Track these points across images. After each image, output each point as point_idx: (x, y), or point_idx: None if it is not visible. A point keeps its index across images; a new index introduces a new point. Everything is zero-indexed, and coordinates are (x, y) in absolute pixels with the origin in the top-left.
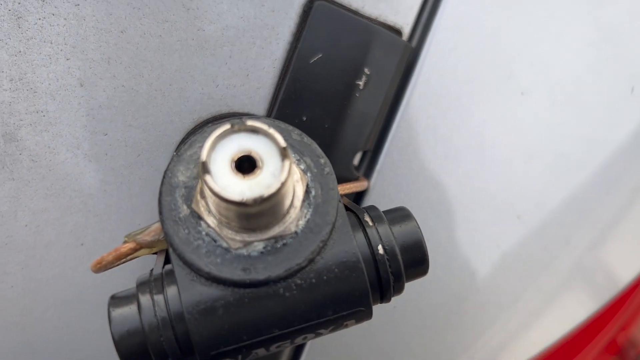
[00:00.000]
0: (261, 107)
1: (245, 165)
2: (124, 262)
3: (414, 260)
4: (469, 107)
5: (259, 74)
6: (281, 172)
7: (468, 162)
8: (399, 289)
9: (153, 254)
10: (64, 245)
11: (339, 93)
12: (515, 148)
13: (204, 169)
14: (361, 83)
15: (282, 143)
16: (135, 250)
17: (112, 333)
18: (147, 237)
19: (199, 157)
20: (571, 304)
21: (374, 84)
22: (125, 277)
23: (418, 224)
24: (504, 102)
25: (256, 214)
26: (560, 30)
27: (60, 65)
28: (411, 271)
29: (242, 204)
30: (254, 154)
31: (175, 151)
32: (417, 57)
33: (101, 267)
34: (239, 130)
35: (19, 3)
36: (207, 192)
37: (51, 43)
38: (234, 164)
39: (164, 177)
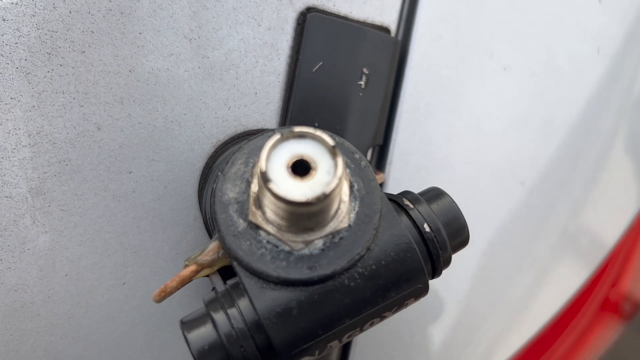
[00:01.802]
0: (273, 121)
1: (300, 169)
2: (186, 284)
3: (456, 232)
4: (460, 89)
5: (266, 90)
6: (336, 169)
7: (469, 140)
8: (447, 262)
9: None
10: (107, 287)
11: (344, 95)
12: (507, 120)
13: (265, 178)
14: (362, 83)
15: (331, 142)
16: (197, 272)
17: (192, 353)
18: (207, 257)
19: (244, 173)
20: (564, 272)
21: (373, 81)
22: (172, 309)
23: (452, 199)
24: (489, 80)
25: (317, 212)
26: (527, 7)
27: (75, 114)
28: (455, 243)
29: (307, 204)
30: (306, 157)
31: (219, 171)
32: (407, 50)
33: (165, 294)
34: (288, 138)
35: (26, 60)
36: (268, 200)
37: (63, 93)
38: (290, 169)
39: (213, 196)
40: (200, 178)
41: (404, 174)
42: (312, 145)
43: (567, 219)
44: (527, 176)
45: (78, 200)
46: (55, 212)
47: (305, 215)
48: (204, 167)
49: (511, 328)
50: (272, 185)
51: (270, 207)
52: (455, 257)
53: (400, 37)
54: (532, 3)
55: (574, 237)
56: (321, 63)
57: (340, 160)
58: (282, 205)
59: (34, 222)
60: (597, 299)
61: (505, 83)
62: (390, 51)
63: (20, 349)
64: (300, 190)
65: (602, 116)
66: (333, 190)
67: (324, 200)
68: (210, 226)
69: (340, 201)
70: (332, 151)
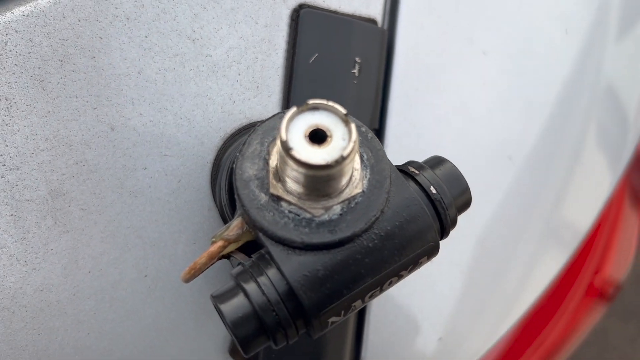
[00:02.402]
0: (276, 111)
1: (317, 138)
2: (213, 263)
3: (459, 193)
4: (445, 74)
5: (267, 84)
6: (350, 134)
7: (458, 121)
8: (453, 223)
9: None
10: (129, 281)
11: (340, 83)
12: (491, 101)
13: (286, 147)
14: (355, 71)
15: (343, 110)
16: (224, 247)
17: (227, 324)
18: (232, 233)
19: (260, 152)
20: (544, 258)
21: (366, 70)
22: (194, 297)
23: (453, 164)
24: (471, 64)
25: (335, 177)
26: None
27: (89, 116)
28: (459, 203)
29: (328, 166)
30: (321, 127)
31: (238, 152)
32: (393, 40)
33: (195, 272)
34: (303, 111)
35: (39, 68)
36: (289, 169)
37: (76, 97)
38: (308, 138)
39: (234, 175)
40: (212, 170)
41: (399, 155)
42: (326, 116)
43: (553, 198)
44: (514, 151)
45: (97, 199)
46: (75, 211)
47: (324, 180)
48: (215, 159)
49: (502, 309)
50: (294, 153)
51: (291, 176)
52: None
53: (386, 28)
54: None
55: (556, 215)
56: (317, 55)
57: (353, 126)
58: (304, 170)
59: (56, 223)
60: (581, 285)
61: (485, 66)
62: (378, 41)
63: (50, 347)
64: (319, 155)
65: (576, 95)
66: (350, 154)
67: (342, 162)
68: (226, 212)
69: (353, 169)
70: (345, 119)
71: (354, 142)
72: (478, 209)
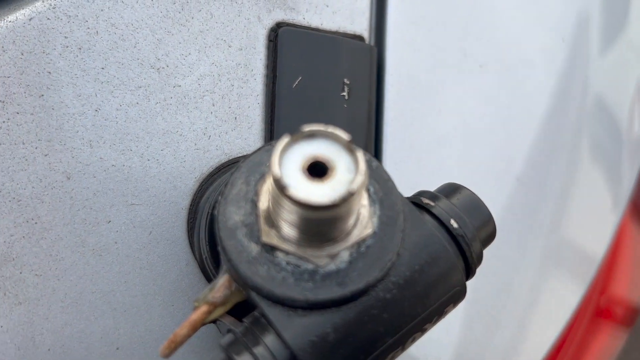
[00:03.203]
0: (258, 145)
1: (316, 171)
2: (195, 332)
3: (482, 224)
4: (441, 91)
5: (246, 114)
6: (357, 165)
7: (458, 141)
8: (479, 259)
9: (224, 312)
10: (98, 356)
11: (329, 108)
12: (491, 116)
13: (281, 185)
14: (345, 94)
15: (346, 137)
16: (209, 312)
17: None
18: (218, 294)
19: (247, 193)
20: (557, 287)
21: (356, 91)
22: None
23: (471, 191)
24: (468, 79)
25: (341, 217)
26: (491, 3)
27: (39, 165)
28: (484, 236)
29: (333, 206)
30: (321, 158)
31: (219, 194)
32: (383, 57)
33: (176, 345)
34: (297, 140)
35: None
36: (285, 212)
37: (23, 143)
38: (306, 173)
39: (217, 223)
40: (188, 217)
41: (400, 184)
42: (325, 144)
43: (560, 225)
44: (521, 171)
45: (53, 262)
46: (29, 278)
47: (328, 222)
48: (191, 205)
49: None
50: (291, 191)
51: (287, 220)
52: None
53: (374, 45)
54: (495, 2)
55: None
56: (300, 78)
57: (360, 155)
58: (304, 212)
59: (5, 294)
60: (589, 308)
61: (482, 80)
62: (367, 59)
63: None
64: (322, 192)
65: (575, 102)
66: (359, 188)
67: (350, 199)
68: (208, 266)
69: (360, 206)
70: (348, 147)
71: (363, 173)
72: None
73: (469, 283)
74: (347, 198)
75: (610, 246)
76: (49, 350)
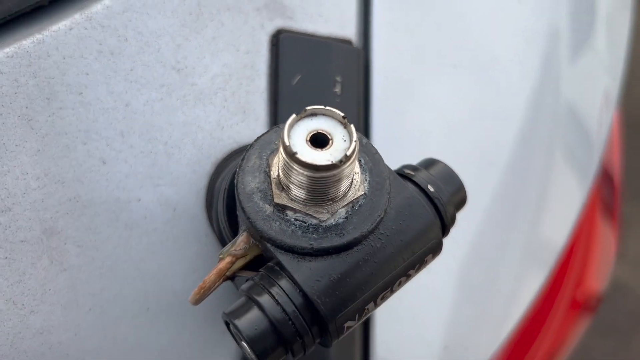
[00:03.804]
0: None
1: (318, 142)
2: (221, 284)
3: (455, 190)
4: (422, 88)
5: (253, 108)
6: (351, 136)
7: (438, 132)
8: (452, 220)
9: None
10: (131, 316)
11: (324, 102)
12: (467, 110)
13: (290, 151)
14: (337, 90)
15: (341, 113)
16: (232, 263)
17: (245, 339)
18: (239, 247)
19: (260, 165)
20: (529, 269)
21: (347, 88)
22: (200, 329)
23: (446, 163)
24: (444, 77)
25: (339, 179)
26: (463, 12)
27: (79, 152)
28: (456, 200)
29: (333, 166)
30: (322, 131)
31: (238, 167)
32: (369, 59)
33: (205, 290)
34: (302, 117)
35: (27, 107)
36: (294, 175)
37: (66, 134)
38: (309, 143)
39: (236, 189)
40: (206, 196)
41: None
42: (324, 120)
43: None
44: (493, 159)
45: (92, 234)
46: (72, 249)
47: (329, 182)
48: (208, 185)
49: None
50: (298, 156)
51: (295, 182)
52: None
53: (361, 48)
54: (466, 9)
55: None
56: (299, 76)
57: (352, 127)
58: (310, 173)
59: (52, 262)
60: (564, 299)
61: (458, 78)
62: (355, 60)
63: None
64: (323, 157)
65: (539, 112)
66: (353, 153)
67: (346, 161)
68: (226, 235)
69: (354, 173)
70: (343, 122)
71: (356, 141)
72: (468, 213)
73: (462, 257)
74: (344, 160)
75: (574, 239)
76: (89, 310)
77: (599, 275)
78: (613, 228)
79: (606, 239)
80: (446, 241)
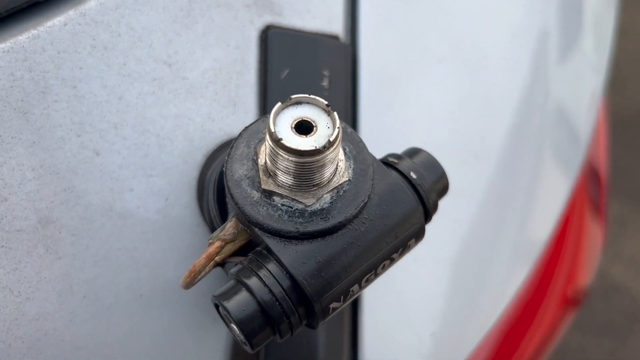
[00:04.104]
0: None
1: (302, 129)
2: (211, 269)
3: (437, 178)
4: (408, 82)
5: (243, 101)
6: (334, 122)
7: (424, 125)
8: (435, 206)
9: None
10: (125, 302)
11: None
12: (453, 103)
13: (276, 137)
14: (325, 84)
15: (324, 102)
16: (221, 247)
17: (234, 320)
18: (228, 232)
19: (247, 154)
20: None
21: (334, 82)
22: (192, 313)
23: (429, 152)
24: (430, 72)
25: (324, 165)
26: (448, 7)
27: (73, 144)
28: (438, 187)
29: (317, 151)
30: (306, 118)
31: (226, 155)
32: (357, 54)
33: (195, 274)
34: (288, 105)
35: (22, 100)
36: (280, 161)
37: (60, 126)
38: (294, 130)
39: (225, 177)
40: (198, 186)
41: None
42: (309, 108)
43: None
44: (478, 151)
45: (87, 224)
46: (67, 237)
47: (314, 168)
48: (199, 176)
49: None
50: (283, 142)
51: (281, 168)
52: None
53: (349, 43)
54: (453, 5)
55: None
56: (287, 71)
57: (335, 115)
58: (295, 158)
59: (47, 250)
60: (554, 295)
61: (443, 73)
62: (342, 55)
63: None
64: (307, 143)
65: (532, 94)
66: (336, 138)
67: (329, 147)
68: (216, 223)
69: (338, 160)
70: (327, 109)
71: (339, 127)
72: (455, 205)
73: (449, 246)
74: (328, 146)
75: (563, 235)
76: (84, 297)
77: (587, 271)
78: (600, 224)
79: (593, 235)
80: (435, 231)
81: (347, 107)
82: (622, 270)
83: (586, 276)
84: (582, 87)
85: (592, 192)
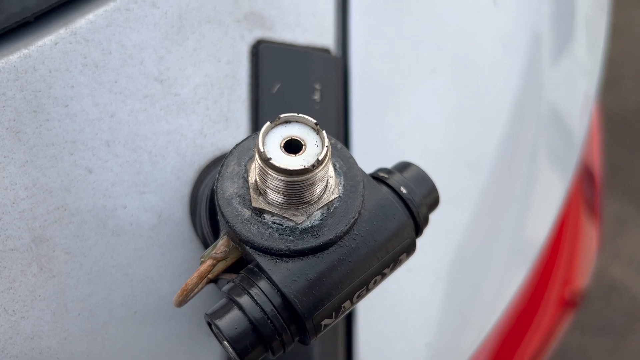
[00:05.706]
0: None
1: (291, 148)
2: (203, 287)
3: (428, 192)
4: (400, 93)
5: (235, 116)
6: (322, 141)
7: (416, 136)
8: (425, 220)
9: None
10: (119, 319)
11: (304, 109)
12: (445, 113)
13: (265, 157)
14: (317, 97)
15: (313, 120)
16: (213, 266)
17: (226, 339)
18: (219, 251)
19: (238, 171)
20: (513, 266)
21: (326, 95)
22: (186, 330)
23: (419, 166)
24: (422, 82)
25: (313, 183)
26: (440, 17)
27: (66, 162)
28: (429, 201)
29: (306, 170)
30: (295, 137)
31: (217, 174)
32: (348, 67)
33: (187, 292)
34: (277, 124)
35: (14, 120)
36: (269, 180)
37: (53, 145)
38: (283, 149)
39: (216, 195)
40: (190, 202)
41: (366, 170)
42: (297, 127)
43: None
44: (472, 161)
45: (80, 241)
46: (60, 256)
47: (304, 186)
48: (192, 192)
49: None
50: (273, 162)
51: (271, 187)
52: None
53: (340, 56)
54: (445, 15)
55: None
56: (279, 85)
57: (324, 133)
58: (284, 177)
59: (41, 269)
60: (552, 297)
61: (436, 83)
62: (333, 68)
63: None
64: (296, 162)
65: (522, 112)
66: (325, 157)
67: (318, 166)
68: (209, 239)
69: (328, 176)
70: (316, 128)
71: (327, 146)
72: (449, 214)
73: (442, 256)
74: (316, 165)
75: (559, 238)
76: (78, 314)
77: (583, 272)
78: (595, 224)
79: (589, 236)
80: (429, 241)
81: (339, 119)
82: (621, 270)
83: (583, 278)
84: (575, 90)
85: (586, 193)
